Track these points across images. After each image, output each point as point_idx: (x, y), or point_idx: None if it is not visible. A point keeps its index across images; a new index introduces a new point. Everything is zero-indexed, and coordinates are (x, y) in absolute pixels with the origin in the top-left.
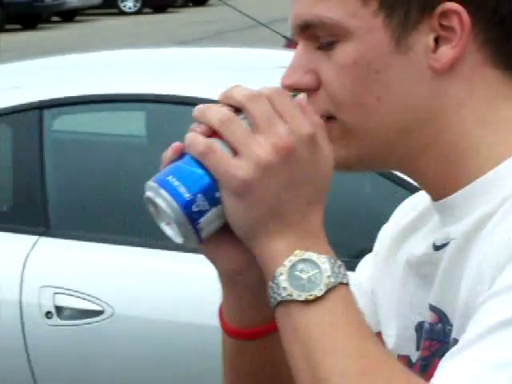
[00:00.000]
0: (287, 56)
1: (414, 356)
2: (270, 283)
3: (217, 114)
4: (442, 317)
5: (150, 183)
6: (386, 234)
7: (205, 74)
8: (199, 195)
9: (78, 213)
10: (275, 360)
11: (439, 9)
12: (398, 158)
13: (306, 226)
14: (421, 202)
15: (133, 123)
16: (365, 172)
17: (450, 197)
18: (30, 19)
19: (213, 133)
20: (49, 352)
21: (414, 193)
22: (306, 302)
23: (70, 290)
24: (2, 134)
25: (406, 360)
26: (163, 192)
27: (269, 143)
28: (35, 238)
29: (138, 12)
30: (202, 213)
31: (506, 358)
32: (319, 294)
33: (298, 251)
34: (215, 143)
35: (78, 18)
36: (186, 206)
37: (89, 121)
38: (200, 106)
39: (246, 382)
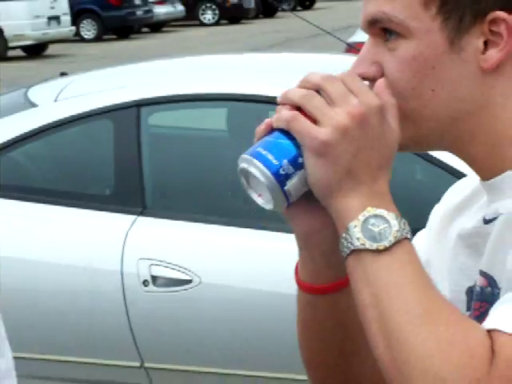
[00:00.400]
0: (348, 60)
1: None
2: (344, 235)
3: (297, 92)
4: (490, 281)
5: (244, 156)
6: (438, 212)
7: (276, 76)
8: (285, 161)
9: (169, 196)
10: (346, 320)
11: (490, 16)
12: (450, 142)
13: (376, 187)
14: (470, 185)
15: (216, 119)
16: (418, 151)
17: (498, 177)
18: (124, 30)
19: (295, 109)
20: (145, 315)
21: (459, 178)
22: (377, 251)
23: (163, 261)
24: (105, 128)
25: None
26: (255, 161)
27: (344, 111)
28: (134, 217)
29: (216, 23)
30: (288, 176)
31: None
32: (388, 245)
33: (370, 208)
34: (298, 113)
35: (164, 29)
36: (275, 171)
37: (179, 117)
38: (282, 92)
39: (318, 342)
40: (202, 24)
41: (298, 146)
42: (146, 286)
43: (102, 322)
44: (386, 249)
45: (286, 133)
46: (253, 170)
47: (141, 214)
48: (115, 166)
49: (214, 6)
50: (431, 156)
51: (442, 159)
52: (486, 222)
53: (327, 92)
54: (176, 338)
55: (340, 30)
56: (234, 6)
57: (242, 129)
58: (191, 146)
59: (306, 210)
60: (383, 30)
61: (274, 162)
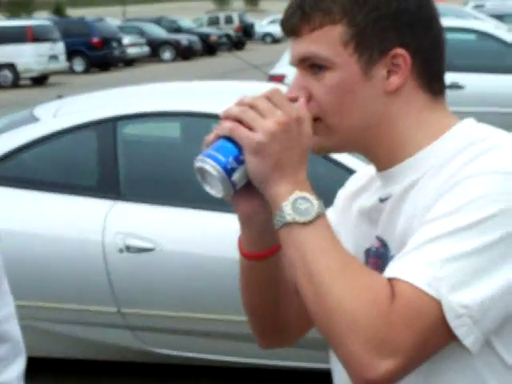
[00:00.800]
0: (267, 86)
1: None
2: (278, 212)
3: (236, 109)
4: (383, 244)
5: (199, 157)
6: (341, 195)
7: (216, 97)
8: (231, 158)
9: (138, 186)
10: (276, 277)
11: (391, 52)
12: (362, 145)
13: (298, 177)
14: (365, 175)
15: (172, 130)
16: (339, 153)
17: (391, 169)
18: (105, 65)
19: (235, 121)
20: (121, 274)
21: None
22: (303, 224)
23: (134, 234)
24: (91, 136)
25: None
26: (208, 160)
27: (271, 121)
28: (112, 202)
29: (173, 60)
30: (233, 169)
31: (440, 258)
32: (311, 219)
33: (296, 191)
34: (237, 123)
35: (135, 64)
36: (224, 166)
37: (146, 128)
38: (224, 109)
39: (256, 297)
40: (163, 61)
41: (238, 147)
42: (121, 252)
43: (88, 279)
44: (310, 222)
45: (229, 139)
46: (207, 166)
47: (117, 199)
48: (98, 165)
49: (171, 47)
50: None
51: (338, 159)
52: (382, 200)
53: (257, 107)
54: (145, 290)
55: (264, 65)
56: (186, 48)
57: (191, 137)
58: (154, 149)
59: (246, 197)
60: (311, 65)
61: (222, 159)
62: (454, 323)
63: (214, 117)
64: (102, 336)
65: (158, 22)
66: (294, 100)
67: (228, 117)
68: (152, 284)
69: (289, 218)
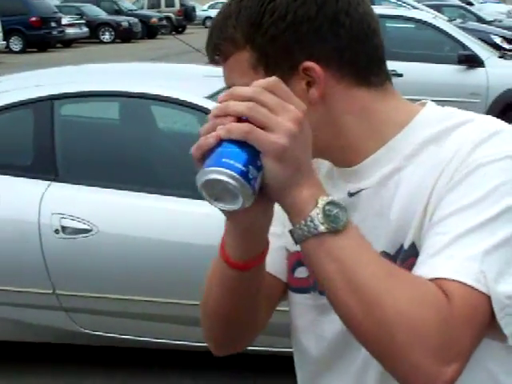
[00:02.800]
0: (208, 69)
1: None
2: (305, 222)
3: (241, 105)
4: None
5: (208, 169)
6: None
7: (155, 79)
8: (249, 166)
9: (75, 167)
10: (259, 286)
11: (300, 67)
12: (319, 155)
13: (316, 178)
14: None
15: (110, 110)
16: None
17: (358, 165)
18: (43, 45)
19: (238, 120)
20: (57, 255)
21: None
22: (337, 232)
23: (70, 215)
24: (28, 115)
25: None
26: (225, 170)
27: (288, 119)
28: (48, 182)
29: (112, 42)
30: (255, 178)
31: (479, 251)
32: (344, 225)
33: (322, 197)
34: (252, 125)
35: (73, 45)
36: (245, 175)
37: (83, 108)
38: (218, 106)
39: (233, 304)
40: (102, 42)
41: (253, 151)
42: (57, 233)
43: (24, 260)
44: (344, 228)
45: (235, 142)
46: (224, 178)
47: (53, 180)
48: (34, 145)
49: (110, 29)
50: None
51: None
52: (351, 195)
53: (264, 103)
54: (81, 272)
55: (203, 48)
56: (126, 30)
57: (130, 118)
58: (92, 130)
59: (249, 211)
60: None
61: (242, 168)
62: (499, 315)
63: (153, 98)
64: (37, 318)
65: (97, 3)
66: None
67: (228, 114)
68: (88, 266)
69: (322, 228)
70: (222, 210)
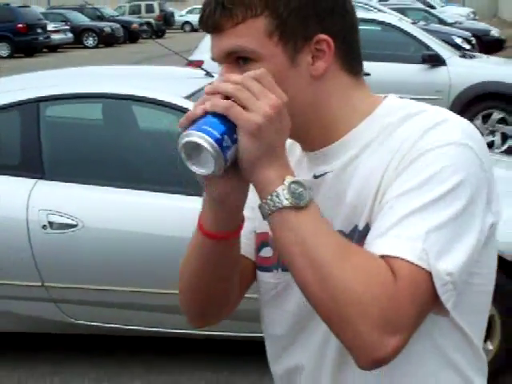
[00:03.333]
0: (186, 71)
1: None
2: (272, 196)
3: (229, 86)
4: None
5: (190, 131)
6: None
7: (137, 80)
8: (225, 136)
9: (61, 166)
10: (235, 257)
11: (315, 39)
12: (295, 131)
13: (286, 161)
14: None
15: (94, 111)
16: None
17: (326, 148)
18: (30, 50)
19: (226, 98)
20: (45, 250)
21: None
22: (299, 208)
23: (57, 211)
24: (14, 117)
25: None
26: (202, 134)
27: (267, 103)
28: (35, 180)
29: (96, 47)
30: (228, 148)
31: (422, 231)
32: (307, 203)
33: (289, 176)
34: (233, 102)
35: (59, 50)
36: (220, 143)
37: (68, 109)
38: (210, 85)
39: (209, 276)
40: (86, 47)
41: (230, 126)
42: (44, 229)
43: (12, 255)
44: (306, 206)
45: (218, 116)
46: (201, 141)
47: (40, 178)
48: (21, 145)
49: (94, 34)
50: None
51: None
52: (316, 177)
53: (250, 89)
54: (68, 265)
55: (183, 52)
56: (108, 35)
57: (112, 118)
58: (77, 130)
59: (225, 177)
60: (236, 58)
61: (217, 135)
62: (441, 290)
63: (134, 99)
64: (27, 309)
65: (81, 9)
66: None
67: (218, 92)
68: (75, 259)
69: (286, 203)
70: (198, 176)
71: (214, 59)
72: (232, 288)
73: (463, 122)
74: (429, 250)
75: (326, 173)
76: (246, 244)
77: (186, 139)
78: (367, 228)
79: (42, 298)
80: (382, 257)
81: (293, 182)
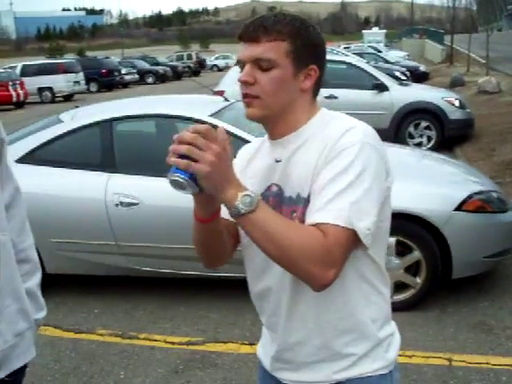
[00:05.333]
0: (211, 98)
1: None
2: (233, 209)
3: (184, 148)
4: (280, 188)
5: (173, 174)
6: (242, 155)
7: (178, 105)
8: (193, 175)
9: (129, 163)
10: (220, 230)
11: (310, 66)
12: (276, 119)
13: (236, 182)
14: (253, 145)
15: (148, 127)
16: (265, 123)
17: (285, 137)
18: (110, 87)
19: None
20: (118, 220)
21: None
22: (252, 211)
23: (126, 194)
24: (95, 132)
25: None
26: (179, 175)
27: (211, 153)
28: (109, 174)
29: (154, 83)
30: (196, 179)
31: (346, 203)
32: (256, 206)
33: (239, 193)
34: (189, 162)
35: (129, 86)
36: (191, 178)
37: (133, 125)
38: (173, 146)
39: (207, 243)
40: (147, 83)
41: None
42: (117, 206)
43: (97, 224)
44: (255, 208)
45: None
46: (180, 180)
47: (114, 171)
48: (102, 151)
49: (152, 75)
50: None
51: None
52: (277, 161)
53: (198, 145)
54: (133, 229)
55: (211, 85)
56: (162, 75)
57: (162, 131)
58: (139, 140)
59: (200, 192)
60: (259, 62)
61: (189, 175)
62: (364, 239)
63: (176, 117)
64: (105, 260)
65: (144, 58)
66: (246, 83)
67: (178, 152)
68: (141, 226)
69: (243, 211)
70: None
71: (240, 61)
72: (225, 244)
73: (364, 127)
74: (352, 216)
75: (282, 159)
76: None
77: (171, 178)
78: (309, 197)
79: (115, 252)
80: (320, 224)
81: (243, 196)
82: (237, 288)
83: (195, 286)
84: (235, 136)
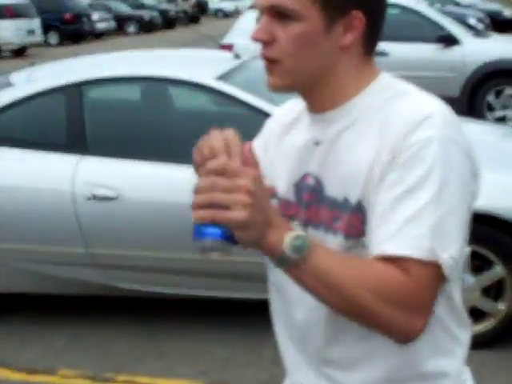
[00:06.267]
0: (217, 54)
1: (292, 199)
2: (280, 256)
3: (203, 197)
4: (318, 182)
5: (200, 238)
6: (271, 124)
7: (175, 63)
8: (224, 229)
9: (104, 143)
10: None
11: (351, 14)
12: (308, 89)
13: (277, 221)
14: (292, 111)
15: (131, 94)
16: (291, 92)
17: (328, 112)
18: (76, 38)
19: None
20: (89, 219)
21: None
22: (304, 258)
23: (100, 184)
24: (59, 98)
25: (287, 202)
26: (209, 238)
27: (242, 193)
28: (79, 156)
29: (137, 34)
30: (231, 235)
31: (426, 229)
32: (310, 250)
33: (285, 234)
34: (214, 211)
35: (103, 37)
36: (224, 236)
37: (108, 91)
38: (194, 195)
39: None
40: (127, 34)
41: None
42: (88, 200)
43: (61, 225)
44: (309, 253)
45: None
46: (212, 244)
47: (84, 154)
48: (67, 125)
49: (135, 22)
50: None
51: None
52: (316, 143)
53: (220, 188)
54: (110, 232)
55: (216, 36)
56: (148, 22)
57: (150, 100)
58: (117, 110)
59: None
60: (278, 12)
61: (219, 232)
62: (448, 271)
63: (170, 80)
64: (73, 274)
65: None
66: (258, 40)
67: (200, 206)
68: (117, 226)
69: (294, 259)
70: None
71: (257, 7)
72: None
73: (443, 110)
74: (435, 246)
75: (322, 142)
76: None
77: (203, 245)
78: (360, 205)
79: (86, 263)
80: (395, 258)
81: (291, 238)
82: (251, 314)
83: (194, 310)
84: (249, 107)
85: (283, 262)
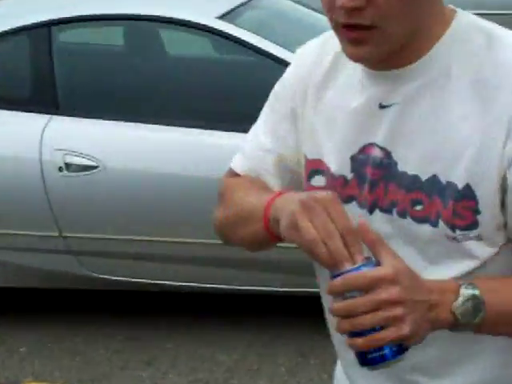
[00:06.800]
0: None
1: (349, 176)
2: (455, 330)
3: (361, 326)
4: (387, 155)
5: (376, 366)
6: (301, 77)
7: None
8: (395, 347)
9: (78, 99)
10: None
11: None
12: (394, 52)
13: (438, 296)
14: (322, 60)
15: (112, 38)
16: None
17: (404, 68)
18: None
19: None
20: (61, 195)
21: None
22: (483, 317)
23: (74, 151)
24: (23, 43)
25: (342, 179)
26: (388, 362)
27: (400, 307)
28: (49, 116)
29: None
30: (405, 349)
31: None
32: (484, 305)
33: (454, 302)
34: (381, 336)
35: None
36: (395, 356)
37: (84, 34)
38: (341, 325)
39: (248, 243)
40: None
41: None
42: (61, 171)
43: (28, 201)
44: (485, 315)
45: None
46: (392, 363)
47: (54, 113)
48: (32, 75)
49: None
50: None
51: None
52: (382, 107)
53: (368, 305)
54: (87, 213)
55: None
56: None
57: (136, 44)
58: (96, 58)
59: None
60: None
61: (388, 353)
62: None
63: (161, 20)
64: (43, 262)
65: None
66: (355, 8)
67: (351, 332)
68: (96, 206)
69: (472, 322)
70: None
71: None
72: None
73: None
74: None
75: (391, 104)
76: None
77: (374, 369)
78: (468, 189)
79: (59, 249)
80: None
81: (462, 304)
82: (262, 312)
83: (193, 306)
84: (258, 52)
85: (461, 330)
